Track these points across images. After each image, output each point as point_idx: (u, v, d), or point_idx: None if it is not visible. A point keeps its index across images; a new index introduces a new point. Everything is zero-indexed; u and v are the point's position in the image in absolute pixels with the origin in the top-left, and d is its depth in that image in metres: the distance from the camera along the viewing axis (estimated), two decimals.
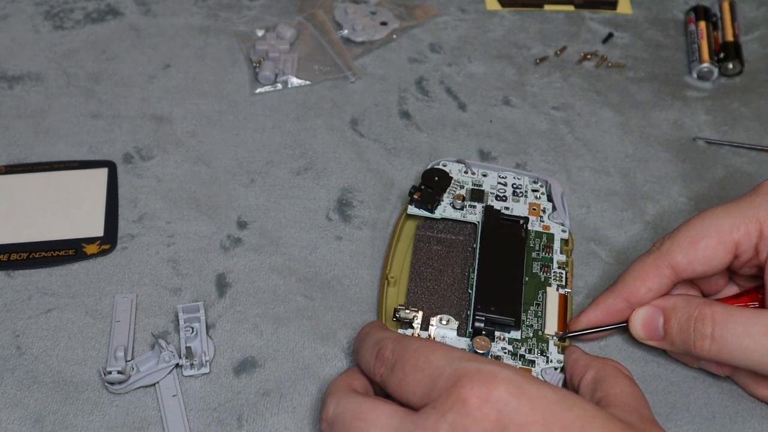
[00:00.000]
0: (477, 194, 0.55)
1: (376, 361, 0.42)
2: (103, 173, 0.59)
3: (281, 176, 0.59)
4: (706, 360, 0.48)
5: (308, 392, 0.48)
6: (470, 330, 0.49)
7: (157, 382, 0.48)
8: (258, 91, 0.64)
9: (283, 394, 0.48)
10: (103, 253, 0.54)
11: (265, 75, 0.64)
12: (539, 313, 0.50)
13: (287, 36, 0.67)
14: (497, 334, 0.49)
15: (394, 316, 0.49)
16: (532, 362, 0.48)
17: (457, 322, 0.49)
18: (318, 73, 0.65)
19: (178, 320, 0.50)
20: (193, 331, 0.49)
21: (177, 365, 0.48)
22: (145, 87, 0.64)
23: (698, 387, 0.49)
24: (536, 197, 0.56)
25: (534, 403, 0.38)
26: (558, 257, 0.53)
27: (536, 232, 0.54)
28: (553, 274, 0.52)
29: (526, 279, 0.51)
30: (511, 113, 0.64)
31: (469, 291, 0.50)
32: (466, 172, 0.57)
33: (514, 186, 0.56)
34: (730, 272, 0.50)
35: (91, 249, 0.54)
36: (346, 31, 0.68)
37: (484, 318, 0.48)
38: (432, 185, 0.55)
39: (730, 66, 0.66)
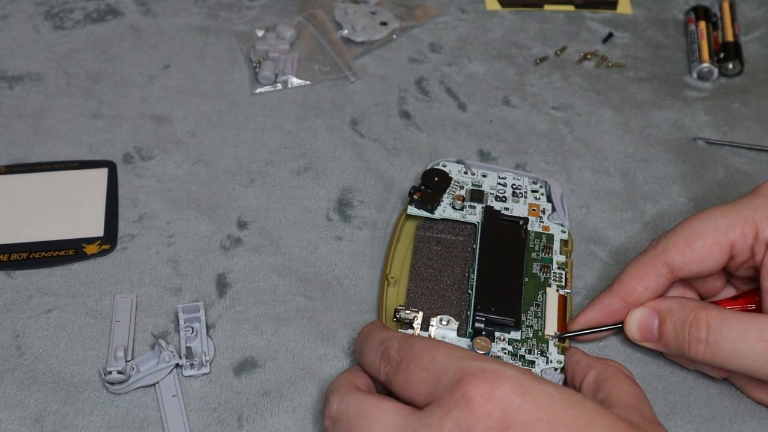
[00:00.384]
0: (477, 195, 0.55)
1: (381, 360, 0.42)
2: (103, 173, 0.59)
3: (281, 176, 0.59)
4: (701, 363, 0.48)
5: (308, 392, 0.48)
6: (470, 330, 0.49)
7: (157, 382, 0.48)
8: (258, 91, 0.64)
9: (284, 394, 0.48)
10: (103, 253, 0.54)
11: (265, 75, 0.64)
12: (539, 314, 0.50)
13: (287, 36, 0.67)
14: (497, 334, 0.49)
15: (395, 316, 0.49)
16: (532, 363, 0.48)
17: (457, 323, 0.49)
18: (318, 73, 0.65)
19: (178, 320, 0.50)
20: (193, 331, 0.49)
21: (177, 365, 0.49)
22: (145, 87, 0.64)
23: (698, 387, 0.49)
24: (536, 198, 0.56)
25: (538, 401, 0.38)
26: (558, 258, 0.53)
27: (536, 232, 0.54)
28: (552, 274, 0.52)
29: (526, 279, 0.51)
30: (511, 113, 0.64)
31: (469, 291, 0.50)
32: (465, 173, 0.57)
33: (514, 187, 0.56)
34: (728, 274, 0.50)
35: (91, 249, 0.54)
36: (346, 31, 0.68)
37: (484, 318, 0.48)
38: (432, 186, 0.55)
39: (730, 66, 0.66)
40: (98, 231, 0.55)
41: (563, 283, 0.52)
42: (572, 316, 0.51)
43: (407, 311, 0.49)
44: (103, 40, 0.67)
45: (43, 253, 0.54)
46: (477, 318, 0.49)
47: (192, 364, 0.48)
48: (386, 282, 0.52)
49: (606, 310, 0.49)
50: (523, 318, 0.50)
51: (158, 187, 0.58)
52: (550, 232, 0.54)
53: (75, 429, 0.47)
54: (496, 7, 0.72)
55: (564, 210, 0.55)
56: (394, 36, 0.68)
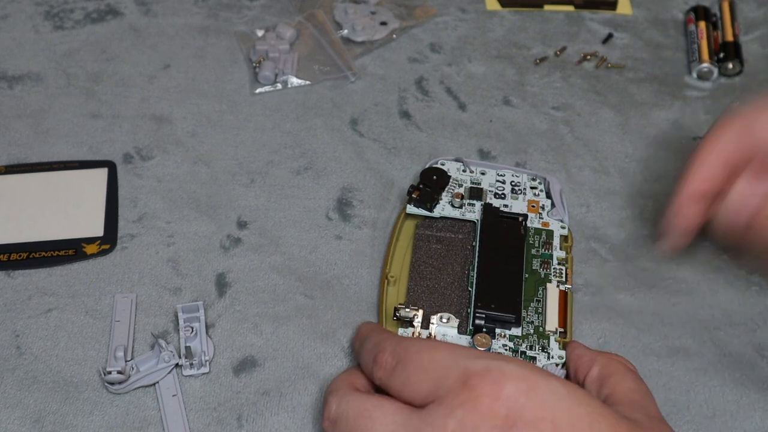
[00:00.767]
0: (476, 192, 0.55)
1: (374, 365, 0.42)
2: (103, 173, 0.58)
3: (281, 176, 0.59)
4: None
5: (308, 391, 0.48)
6: (471, 327, 0.49)
7: (157, 382, 0.48)
8: (258, 91, 0.64)
9: (283, 394, 0.48)
10: (103, 253, 0.54)
11: (265, 75, 0.64)
12: (539, 310, 0.50)
13: (287, 36, 0.67)
14: (498, 331, 0.49)
15: (395, 315, 0.49)
16: (534, 359, 0.48)
17: (457, 320, 0.49)
18: (318, 73, 0.65)
19: (177, 320, 0.50)
20: (192, 331, 0.49)
21: (177, 365, 0.48)
22: (145, 87, 0.64)
23: (698, 385, 0.49)
24: (535, 194, 0.56)
25: (543, 398, 0.38)
26: (558, 254, 0.53)
27: (535, 229, 0.54)
28: (553, 270, 0.52)
29: (526, 276, 0.51)
30: (511, 113, 0.64)
31: (469, 289, 0.50)
32: (464, 171, 0.57)
33: (513, 184, 0.56)
34: None
35: (91, 249, 0.54)
36: (346, 31, 0.68)
37: (484, 315, 0.48)
38: (430, 184, 0.55)
39: (730, 66, 0.66)
40: (98, 231, 0.55)
41: (563, 279, 0.52)
42: (573, 312, 0.51)
43: (407, 309, 0.49)
44: (103, 40, 0.67)
45: (43, 253, 0.54)
46: (477, 315, 0.49)
47: (191, 364, 0.48)
48: (386, 281, 0.52)
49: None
50: (524, 314, 0.50)
51: (158, 187, 0.58)
52: (550, 228, 0.54)
53: (75, 429, 0.47)
54: (496, 7, 0.72)
55: (563, 206, 0.55)
56: (394, 36, 0.68)
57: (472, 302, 0.49)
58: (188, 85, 0.65)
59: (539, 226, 0.54)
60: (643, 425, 0.40)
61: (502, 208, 0.54)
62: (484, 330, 0.49)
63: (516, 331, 0.49)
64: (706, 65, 0.66)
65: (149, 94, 0.64)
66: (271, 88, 0.64)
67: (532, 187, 0.56)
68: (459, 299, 0.51)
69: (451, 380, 0.39)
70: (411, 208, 0.54)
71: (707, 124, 0.63)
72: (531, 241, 0.53)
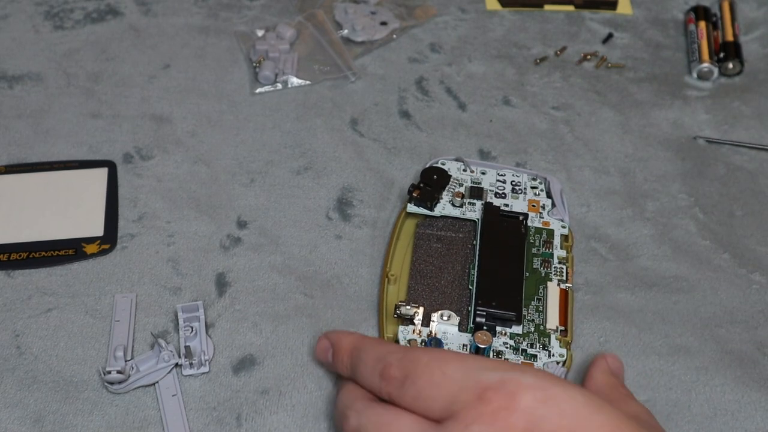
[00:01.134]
0: (476, 192, 0.55)
1: (381, 380, 0.41)
2: (103, 173, 0.58)
3: (281, 176, 0.59)
4: None
5: (307, 389, 0.48)
6: (471, 325, 0.49)
7: (157, 382, 0.48)
8: (258, 91, 0.64)
9: (282, 392, 0.48)
10: (102, 252, 0.54)
11: (265, 75, 0.64)
12: (540, 308, 0.50)
13: (287, 36, 0.67)
14: (498, 329, 0.49)
15: (395, 312, 0.49)
16: (534, 357, 0.48)
17: (458, 318, 0.49)
18: (318, 73, 0.65)
19: (177, 320, 0.50)
20: (192, 331, 0.49)
21: (176, 365, 0.48)
22: (145, 87, 0.64)
23: (700, 381, 0.49)
24: (535, 194, 0.56)
25: (562, 407, 0.37)
26: (558, 253, 0.53)
27: (536, 228, 0.54)
28: (553, 269, 0.52)
29: (527, 274, 0.51)
30: (511, 113, 0.64)
31: (470, 287, 0.50)
32: (464, 170, 0.57)
33: (513, 183, 0.56)
34: None
35: (91, 249, 0.54)
36: (346, 31, 0.68)
37: (485, 313, 0.48)
38: (431, 183, 0.55)
39: (730, 66, 0.66)
40: (98, 231, 0.55)
41: (564, 278, 0.52)
42: (573, 313, 0.51)
43: (408, 307, 0.49)
44: (103, 40, 0.67)
45: (43, 253, 0.54)
46: (478, 312, 0.49)
47: (191, 364, 0.48)
48: (386, 279, 0.52)
49: None
50: (524, 312, 0.50)
51: (158, 187, 0.58)
52: (551, 227, 0.54)
53: (75, 428, 0.46)
54: (496, 7, 0.72)
55: (564, 206, 0.55)
56: (394, 36, 0.68)
57: (473, 300, 0.49)
58: (188, 85, 0.64)
59: (540, 226, 0.54)
60: None
61: (502, 208, 0.54)
62: (485, 328, 0.49)
63: (517, 329, 0.49)
64: (706, 65, 0.66)
65: (149, 94, 0.64)
66: (271, 88, 0.64)
67: (532, 187, 0.56)
68: (459, 297, 0.51)
69: (466, 395, 0.38)
70: (412, 207, 0.54)
71: (707, 123, 0.63)
72: (531, 241, 0.53)
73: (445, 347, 0.48)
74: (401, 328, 0.49)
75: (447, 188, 0.55)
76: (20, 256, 0.54)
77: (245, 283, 0.53)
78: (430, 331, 0.49)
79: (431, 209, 0.54)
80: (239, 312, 0.52)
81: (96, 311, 0.51)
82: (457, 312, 0.50)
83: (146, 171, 0.59)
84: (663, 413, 0.48)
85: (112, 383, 0.47)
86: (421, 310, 0.49)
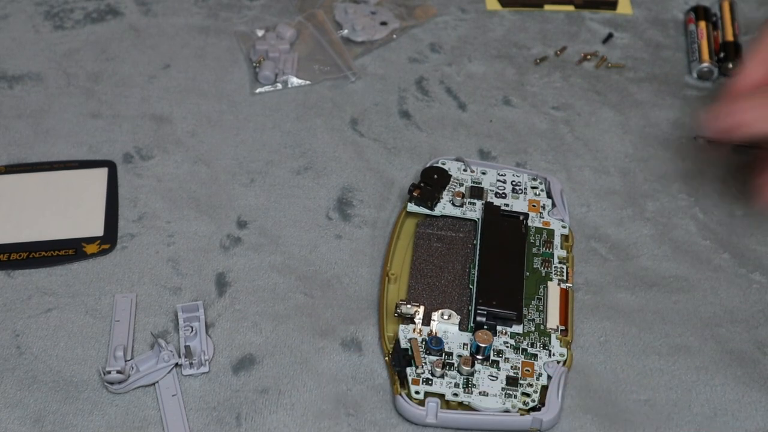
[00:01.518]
0: (476, 191, 0.55)
1: None
2: (103, 173, 0.58)
3: (281, 176, 0.59)
4: None
5: (306, 388, 0.48)
6: (472, 325, 0.49)
7: (157, 382, 0.48)
8: (258, 91, 0.64)
9: (282, 392, 0.48)
10: (103, 252, 0.54)
11: (265, 75, 0.64)
12: (540, 308, 0.50)
13: (287, 36, 0.67)
14: (499, 328, 0.49)
15: (396, 311, 0.49)
16: (535, 356, 0.48)
17: (458, 317, 0.49)
18: (318, 73, 0.65)
19: (177, 320, 0.50)
20: (192, 331, 0.49)
21: (176, 365, 0.48)
22: (145, 87, 0.64)
23: (700, 381, 0.49)
24: (536, 194, 0.56)
25: None
26: (558, 252, 0.53)
27: (536, 228, 0.54)
28: (554, 269, 0.52)
29: (527, 274, 0.51)
30: (511, 113, 0.64)
31: (470, 286, 0.50)
32: (465, 170, 0.57)
33: (514, 183, 0.56)
34: None
35: (91, 249, 0.54)
36: (346, 31, 0.68)
37: (485, 312, 0.49)
38: (431, 183, 0.55)
39: (730, 66, 0.66)
40: (98, 230, 0.55)
41: (564, 278, 0.52)
42: (573, 312, 0.51)
43: (408, 306, 0.49)
44: (103, 40, 0.67)
45: (43, 253, 0.54)
46: (479, 312, 0.49)
47: (191, 364, 0.48)
48: (387, 278, 0.52)
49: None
50: (525, 312, 0.50)
51: (158, 187, 0.58)
52: (551, 227, 0.54)
53: (75, 428, 0.46)
54: (496, 7, 0.72)
55: (564, 206, 0.55)
56: (394, 36, 0.68)
57: (473, 299, 0.49)
58: (188, 85, 0.64)
59: (540, 226, 0.54)
60: None
61: (503, 208, 0.54)
62: (486, 327, 0.49)
63: (517, 329, 0.49)
64: (706, 65, 0.66)
65: (149, 94, 0.64)
66: (271, 88, 0.64)
67: (533, 187, 0.56)
68: (460, 297, 0.51)
69: None
70: (412, 207, 0.54)
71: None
72: (532, 240, 0.53)
73: (446, 347, 0.48)
74: (402, 327, 0.49)
75: (447, 188, 0.55)
76: (20, 256, 0.54)
77: (245, 283, 0.53)
78: (431, 330, 0.49)
79: (432, 209, 0.54)
80: (239, 312, 0.52)
81: (96, 311, 0.51)
82: (458, 311, 0.50)
83: (146, 171, 0.59)
84: (663, 413, 0.48)
85: (112, 383, 0.47)
86: (421, 309, 0.49)
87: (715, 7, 0.70)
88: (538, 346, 0.49)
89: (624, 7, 0.72)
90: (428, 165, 0.56)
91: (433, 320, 0.49)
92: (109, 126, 0.62)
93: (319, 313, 0.52)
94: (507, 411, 0.46)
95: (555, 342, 0.49)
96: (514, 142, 0.62)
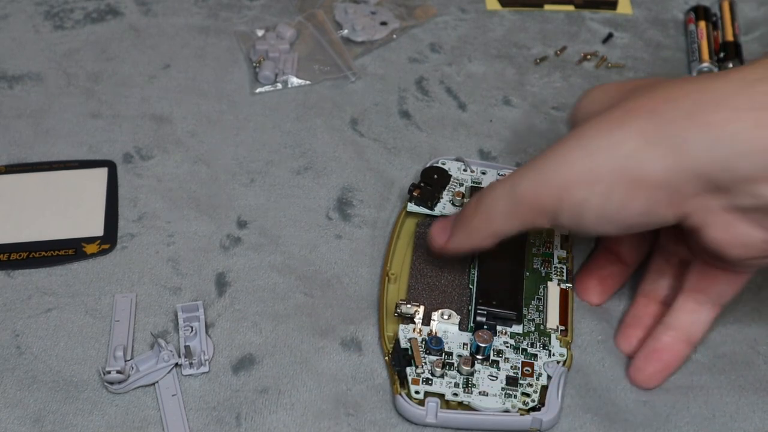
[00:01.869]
0: (477, 191, 0.55)
1: None
2: (103, 173, 0.59)
3: (281, 176, 0.59)
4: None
5: (306, 387, 0.48)
6: (472, 324, 0.49)
7: (157, 382, 0.48)
8: (258, 91, 0.64)
9: (282, 391, 0.48)
10: (102, 252, 0.54)
11: (265, 75, 0.64)
12: (540, 308, 0.50)
13: (287, 36, 0.67)
14: (499, 328, 0.49)
15: (396, 311, 0.49)
16: (535, 356, 0.48)
17: (458, 317, 0.49)
18: (318, 73, 0.65)
19: (177, 319, 0.50)
20: (192, 331, 0.49)
21: (176, 364, 0.48)
22: (145, 87, 0.64)
23: (696, 384, 0.49)
24: None
25: None
26: (558, 253, 0.53)
27: None
28: (553, 269, 0.52)
29: (527, 274, 0.51)
30: (511, 113, 0.64)
31: (470, 286, 0.50)
32: (465, 170, 0.57)
33: None
34: None
35: (90, 248, 0.54)
36: (346, 31, 0.68)
37: (485, 312, 0.49)
38: (431, 183, 0.55)
39: (730, 66, 0.66)
40: (98, 230, 0.55)
41: (564, 278, 0.52)
42: (573, 312, 0.51)
43: (408, 306, 0.49)
44: (103, 40, 0.67)
45: (43, 253, 0.54)
46: (478, 312, 0.49)
47: (191, 364, 0.48)
48: (387, 278, 0.52)
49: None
50: (525, 312, 0.50)
51: (158, 187, 0.58)
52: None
53: (74, 428, 0.47)
54: (496, 6, 0.72)
55: None
56: (394, 36, 0.68)
57: (473, 299, 0.49)
58: (188, 85, 0.65)
59: None
60: None
61: None
62: (486, 327, 0.49)
63: (517, 329, 0.49)
64: (706, 65, 0.66)
65: (149, 94, 0.64)
66: (271, 88, 0.64)
67: None
68: (460, 297, 0.51)
69: None
70: (412, 207, 0.54)
71: None
72: (532, 241, 0.53)
73: (446, 347, 0.48)
74: (402, 326, 0.49)
75: (447, 188, 0.55)
76: (20, 256, 0.54)
77: (245, 282, 0.53)
78: (431, 330, 0.49)
79: (431, 209, 0.54)
80: (239, 312, 0.52)
81: (96, 311, 0.51)
82: (458, 311, 0.50)
83: (146, 171, 0.59)
84: (662, 414, 0.48)
85: (111, 383, 0.47)
86: (421, 309, 0.49)
87: (715, 7, 0.70)
88: (537, 346, 0.49)
89: (624, 7, 0.72)
90: (428, 165, 0.56)
91: (433, 320, 0.49)
92: (109, 126, 0.62)
93: (319, 312, 0.52)
94: (507, 411, 0.46)
95: (555, 342, 0.49)
96: (514, 142, 0.62)
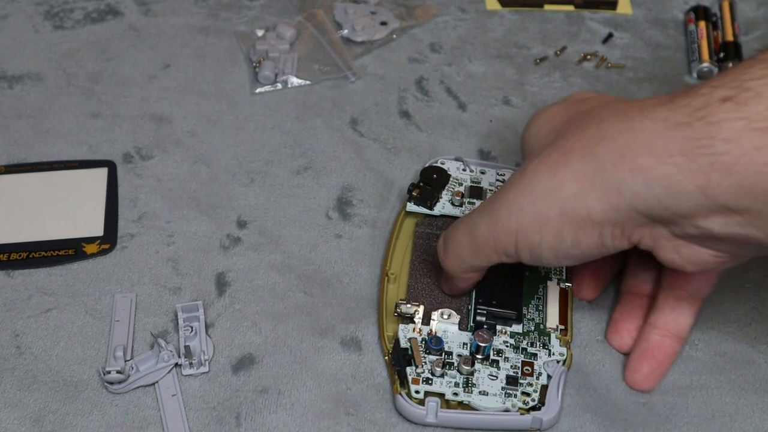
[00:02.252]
0: (476, 191, 0.55)
1: None
2: (102, 173, 0.59)
3: (281, 176, 0.59)
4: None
5: (306, 387, 0.48)
6: (472, 324, 0.49)
7: (157, 382, 0.48)
8: (258, 90, 0.64)
9: (281, 391, 0.48)
10: (102, 252, 0.54)
11: (265, 75, 0.64)
12: (540, 307, 0.50)
13: (287, 36, 0.67)
14: (499, 327, 0.49)
15: (396, 311, 0.49)
16: (535, 355, 0.48)
17: (458, 317, 0.49)
18: (318, 73, 0.65)
19: (177, 319, 0.50)
20: (192, 330, 0.49)
21: (176, 365, 0.48)
22: (145, 87, 0.64)
23: (696, 384, 0.49)
24: None
25: None
26: None
27: None
28: (553, 269, 0.52)
29: (527, 273, 0.51)
30: (511, 113, 0.64)
31: None
32: (464, 170, 0.57)
33: None
34: None
35: (90, 248, 0.54)
36: (346, 31, 0.68)
37: (485, 311, 0.49)
38: (431, 182, 0.55)
39: (730, 66, 0.66)
40: (98, 230, 0.55)
41: (564, 277, 0.52)
42: (573, 311, 0.51)
43: (408, 305, 0.49)
44: (103, 40, 0.67)
45: (43, 253, 0.54)
46: (478, 311, 0.49)
47: (191, 364, 0.48)
48: (386, 278, 0.52)
49: None
50: (525, 311, 0.50)
51: (158, 187, 0.58)
52: None
53: (74, 428, 0.47)
54: (496, 6, 0.72)
55: None
56: (394, 36, 0.68)
57: (473, 299, 0.49)
58: (188, 85, 0.65)
59: None
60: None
61: None
62: (486, 326, 0.49)
63: (517, 328, 0.49)
64: (706, 65, 0.66)
65: (149, 94, 0.64)
66: (271, 88, 0.64)
67: None
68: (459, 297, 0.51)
69: None
70: (411, 206, 0.54)
71: None
72: None
73: (446, 346, 0.48)
74: (401, 326, 0.49)
75: (447, 188, 0.55)
76: (20, 256, 0.54)
77: (245, 282, 0.53)
78: (431, 330, 0.49)
79: (431, 208, 0.54)
80: (239, 311, 0.52)
81: (96, 311, 0.51)
82: (458, 310, 0.50)
83: (146, 171, 0.59)
84: (662, 415, 0.48)
85: (111, 383, 0.47)
86: (421, 308, 0.49)
87: (715, 7, 0.70)
88: (537, 345, 0.49)
89: (624, 7, 0.72)
90: (427, 165, 0.56)
91: (433, 320, 0.49)
92: (109, 126, 0.62)
93: (318, 312, 0.52)
94: (507, 410, 0.46)
95: (554, 341, 0.49)
96: (514, 142, 0.62)
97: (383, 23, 0.69)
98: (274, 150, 0.61)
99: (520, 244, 0.43)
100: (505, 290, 0.50)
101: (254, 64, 0.65)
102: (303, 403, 0.48)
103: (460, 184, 0.56)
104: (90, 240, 0.55)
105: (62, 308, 0.52)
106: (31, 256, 0.54)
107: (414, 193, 0.54)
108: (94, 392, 0.48)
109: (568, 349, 0.49)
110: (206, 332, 0.50)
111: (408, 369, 0.47)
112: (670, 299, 0.48)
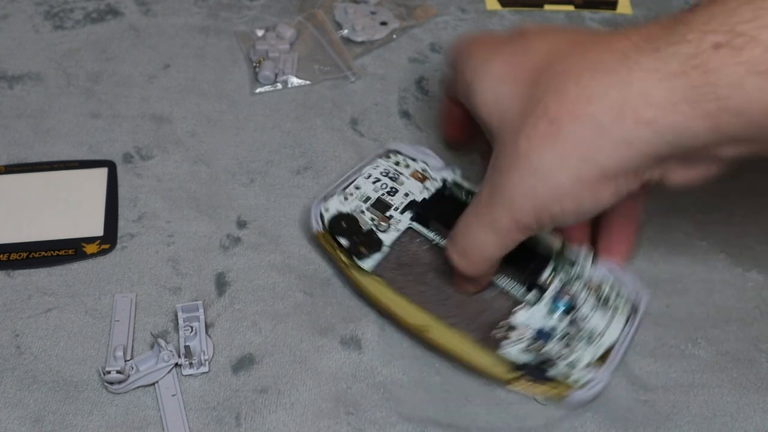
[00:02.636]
0: (381, 206, 0.53)
1: None
2: (102, 173, 0.59)
3: (281, 176, 0.59)
4: None
5: (306, 387, 0.48)
6: (523, 289, 0.50)
7: (157, 382, 0.48)
8: (258, 91, 0.64)
9: (281, 391, 0.48)
10: (102, 252, 0.54)
11: (265, 75, 0.64)
12: None
13: (287, 36, 0.67)
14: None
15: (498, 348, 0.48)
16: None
17: (520, 304, 0.50)
18: (318, 73, 0.65)
19: (177, 319, 0.50)
20: (192, 330, 0.49)
21: (176, 365, 0.48)
22: (145, 87, 0.64)
23: (697, 383, 0.49)
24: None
25: None
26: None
27: None
28: None
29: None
30: None
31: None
32: (375, 181, 0.55)
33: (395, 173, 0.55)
34: None
35: (90, 248, 0.54)
36: (346, 31, 0.68)
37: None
38: (343, 232, 0.52)
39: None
40: (98, 230, 0.55)
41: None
42: None
43: (500, 329, 0.49)
44: (103, 40, 0.67)
45: (43, 253, 0.54)
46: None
47: (191, 364, 0.48)
48: (427, 334, 0.49)
49: None
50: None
51: (158, 187, 0.58)
52: None
53: (74, 429, 0.47)
54: (496, 7, 0.72)
55: None
56: (394, 36, 0.68)
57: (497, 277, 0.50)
58: (188, 85, 0.65)
59: None
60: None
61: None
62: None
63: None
64: None
65: (149, 94, 0.64)
66: (271, 88, 0.64)
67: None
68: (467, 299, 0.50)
69: None
70: (364, 263, 0.51)
71: None
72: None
73: (546, 329, 0.49)
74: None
75: (363, 225, 0.52)
76: (20, 256, 0.54)
77: (245, 282, 0.53)
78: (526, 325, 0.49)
79: (371, 255, 0.51)
80: (239, 311, 0.52)
81: (96, 311, 0.51)
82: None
83: (146, 171, 0.59)
84: (662, 414, 0.48)
85: (111, 383, 0.47)
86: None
87: None
88: None
89: (624, 7, 0.72)
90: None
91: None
92: (109, 126, 0.62)
93: (318, 311, 0.52)
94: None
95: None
96: None
97: (383, 23, 0.69)
98: (274, 150, 0.61)
99: (543, 218, 0.43)
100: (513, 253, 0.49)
101: (254, 64, 0.65)
102: (303, 403, 0.48)
103: (366, 200, 0.54)
104: (90, 240, 0.55)
105: (62, 308, 0.52)
106: (31, 256, 0.54)
107: (360, 250, 0.51)
108: (94, 392, 0.48)
109: None
110: (206, 332, 0.50)
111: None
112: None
